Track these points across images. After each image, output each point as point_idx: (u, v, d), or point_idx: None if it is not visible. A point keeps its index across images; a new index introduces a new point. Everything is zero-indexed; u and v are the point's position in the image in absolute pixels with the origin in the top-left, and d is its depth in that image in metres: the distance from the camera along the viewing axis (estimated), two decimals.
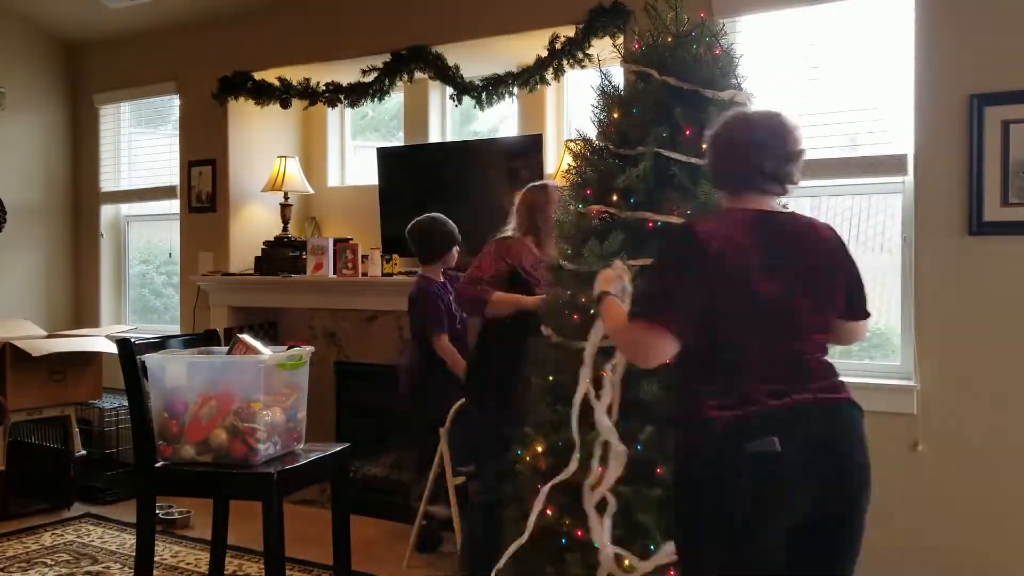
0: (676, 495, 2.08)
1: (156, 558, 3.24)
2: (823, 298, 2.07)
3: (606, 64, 3.36)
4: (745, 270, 1.97)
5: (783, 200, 2.24)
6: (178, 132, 5.69)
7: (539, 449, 2.65)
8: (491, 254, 3.41)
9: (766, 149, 2.08)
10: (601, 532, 2.43)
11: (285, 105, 5.17)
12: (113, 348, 3.75)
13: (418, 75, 4.70)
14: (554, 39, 4.21)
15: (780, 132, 2.10)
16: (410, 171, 5.01)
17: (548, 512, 2.56)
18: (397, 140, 5.50)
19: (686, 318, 1.97)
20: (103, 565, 4.00)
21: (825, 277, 2.08)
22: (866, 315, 2.23)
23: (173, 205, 5.80)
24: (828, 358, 2.10)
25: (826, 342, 2.11)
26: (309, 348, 3.18)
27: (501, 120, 5.22)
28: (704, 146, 2.57)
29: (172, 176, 5.76)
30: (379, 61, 4.73)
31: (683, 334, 1.97)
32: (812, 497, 1.95)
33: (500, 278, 3.35)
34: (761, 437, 1.89)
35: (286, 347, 3.18)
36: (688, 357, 2.02)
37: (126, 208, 6.25)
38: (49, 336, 4.99)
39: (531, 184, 3.60)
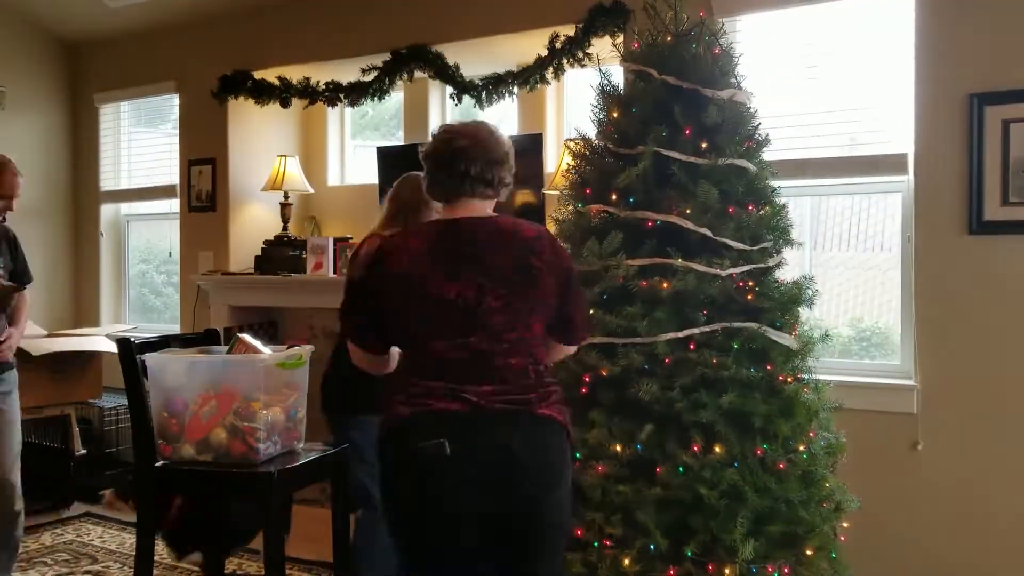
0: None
1: (156, 558, 3.23)
2: (518, 299, 2.09)
3: (606, 63, 3.36)
4: (421, 276, 2.10)
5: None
6: (178, 131, 5.68)
7: None
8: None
9: (469, 155, 2.17)
10: None
11: (285, 104, 5.17)
12: (113, 347, 3.75)
13: (418, 74, 4.70)
14: (554, 38, 4.20)
15: (482, 137, 2.19)
16: (410, 170, 4.99)
17: None
18: (397, 139, 5.49)
19: (378, 335, 2.23)
20: (103, 565, 4.00)
21: (520, 278, 2.10)
22: (566, 341, 2.28)
23: (173, 204, 5.80)
24: (536, 363, 2.13)
25: (527, 345, 2.11)
26: (309, 348, 3.17)
27: (501, 119, 5.19)
28: (704, 145, 2.58)
29: (172, 175, 5.76)
30: (379, 60, 4.73)
31: (387, 345, 2.25)
32: (482, 499, 2.03)
33: None
34: (430, 436, 2.01)
35: (286, 347, 3.18)
36: (404, 359, 2.23)
37: (126, 207, 6.24)
38: (49, 336, 4.99)
39: (407, 175, 3.38)
